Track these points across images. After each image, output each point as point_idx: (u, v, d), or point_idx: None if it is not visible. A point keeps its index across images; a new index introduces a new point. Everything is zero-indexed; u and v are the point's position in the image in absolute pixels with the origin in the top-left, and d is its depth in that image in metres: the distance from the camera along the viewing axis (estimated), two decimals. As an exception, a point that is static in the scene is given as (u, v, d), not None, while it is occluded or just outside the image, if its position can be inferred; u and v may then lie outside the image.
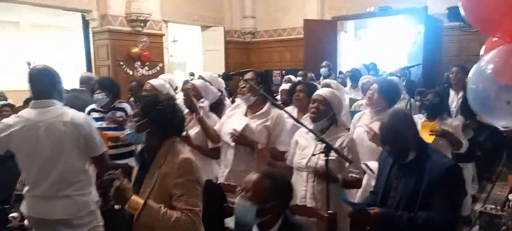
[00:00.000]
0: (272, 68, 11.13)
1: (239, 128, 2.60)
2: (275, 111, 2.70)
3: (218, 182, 2.71)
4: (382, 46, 11.38)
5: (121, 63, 8.25)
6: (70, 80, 4.45)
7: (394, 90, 2.97)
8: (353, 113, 3.43)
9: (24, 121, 2.27)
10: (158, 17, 9.13)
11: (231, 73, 2.53)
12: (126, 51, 8.31)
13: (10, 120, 2.33)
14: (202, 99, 3.04)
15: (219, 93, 3.28)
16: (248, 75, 2.70)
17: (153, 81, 3.54)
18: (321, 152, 2.00)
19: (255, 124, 2.66)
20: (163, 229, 1.63)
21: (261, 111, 2.71)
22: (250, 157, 2.64)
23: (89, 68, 8.38)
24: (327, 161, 1.98)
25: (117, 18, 8.15)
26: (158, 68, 9.19)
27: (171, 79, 4.30)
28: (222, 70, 11.09)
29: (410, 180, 1.86)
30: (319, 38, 10.03)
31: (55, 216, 2.31)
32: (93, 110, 3.67)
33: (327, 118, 2.35)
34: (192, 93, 3.03)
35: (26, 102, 4.19)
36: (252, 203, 1.57)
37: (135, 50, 8.36)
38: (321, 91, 2.47)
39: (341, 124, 2.47)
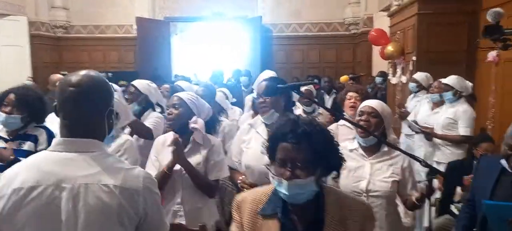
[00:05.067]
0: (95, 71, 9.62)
1: None
2: None
3: None
4: (210, 50, 11.59)
5: None
6: None
7: None
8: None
9: (37, 178, 1.15)
10: None
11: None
12: None
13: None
14: (193, 119, 2.28)
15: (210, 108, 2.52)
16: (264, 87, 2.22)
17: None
18: (430, 177, 1.80)
19: None
20: None
21: None
22: None
23: None
24: (431, 182, 1.80)
25: None
26: None
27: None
28: (27, 71, 8.82)
29: None
30: (153, 38, 9.36)
31: None
32: None
33: (379, 132, 2.10)
34: (176, 113, 2.25)
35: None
36: None
37: None
38: (369, 103, 2.20)
39: (391, 139, 2.28)
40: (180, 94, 2.42)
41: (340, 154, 1.33)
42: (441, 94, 3.77)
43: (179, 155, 2.16)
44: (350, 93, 2.95)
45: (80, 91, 1.20)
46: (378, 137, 2.06)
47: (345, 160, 1.35)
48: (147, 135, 2.96)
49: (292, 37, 9.46)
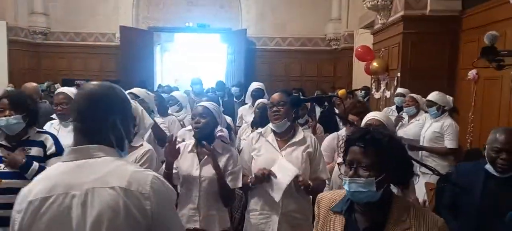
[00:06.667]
0: (74, 78, 9.41)
1: (292, 173, 2.21)
2: (308, 134, 2.40)
3: None
4: (191, 61, 11.63)
5: None
6: None
7: None
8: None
9: (48, 188, 1.16)
10: None
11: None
12: None
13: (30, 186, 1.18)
14: (218, 128, 2.35)
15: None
16: (278, 97, 2.34)
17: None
18: (442, 184, 1.95)
19: (295, 153, 2.27)
20: None
21: (298, 138, 2.31)
22: (299, 193, 2.24)
23: None
24: (442, 189, 1.95)
25: None
26: None
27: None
28: (4, 76, 8.55)
29: None
30: (137, 47, 9.33)
31: None
32: None
33: None
34: (204, 122, 2.31)
35: None
36: None
37: None
38: (375, 115, 2.34)
39: None
40: (205, 104, 2.46)
41: (410, 168, 1.41)
42: (416, 107, 4.21)
43: (213, 162, 2.27)
44: (351, 117, 3.09)
45: (81, 99, 1.23)
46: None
47: (415, 174, 1.45)
48: (164, 138, 3.07)
49: (275, 51, 9.67)
